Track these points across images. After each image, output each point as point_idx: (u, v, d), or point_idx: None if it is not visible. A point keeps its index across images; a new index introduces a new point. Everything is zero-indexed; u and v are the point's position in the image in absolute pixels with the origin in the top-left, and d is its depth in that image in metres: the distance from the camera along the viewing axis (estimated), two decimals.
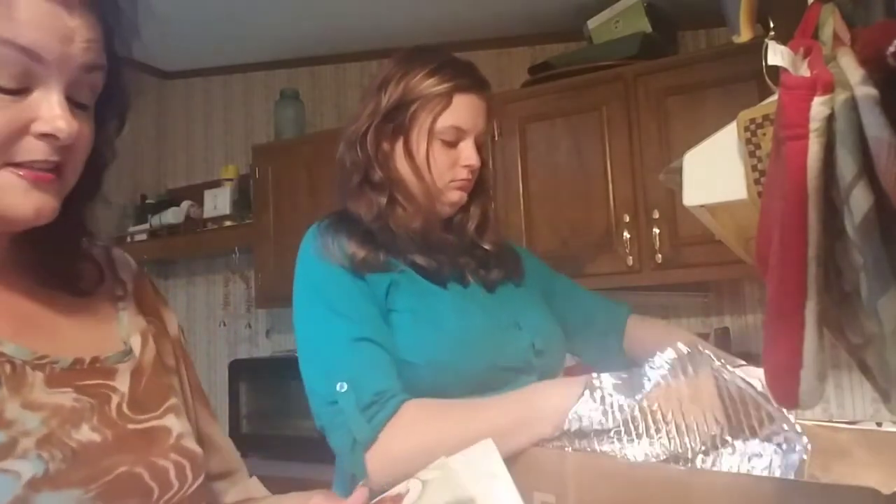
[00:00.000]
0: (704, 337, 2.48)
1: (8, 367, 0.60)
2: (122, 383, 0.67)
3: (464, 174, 1.14)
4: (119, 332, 0.72)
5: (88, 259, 0.74)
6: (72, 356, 0.64)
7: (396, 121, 1.13)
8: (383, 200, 1.13)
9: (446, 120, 1.11)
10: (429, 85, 1.12)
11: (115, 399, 0.65)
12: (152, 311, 0.77)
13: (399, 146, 1.14)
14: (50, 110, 0.60)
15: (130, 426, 0.65)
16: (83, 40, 0.61)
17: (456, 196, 1.16)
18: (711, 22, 2.63)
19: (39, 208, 0.62)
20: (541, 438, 0.86)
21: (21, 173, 0.60)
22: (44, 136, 0.60)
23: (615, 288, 2.48)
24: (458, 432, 0.90)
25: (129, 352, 0.70)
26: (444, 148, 1.13)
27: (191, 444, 0.69)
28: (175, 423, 0.68)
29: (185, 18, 3.00)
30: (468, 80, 1.14)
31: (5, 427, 0.56)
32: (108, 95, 0.68)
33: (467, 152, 1.13)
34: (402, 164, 1.14)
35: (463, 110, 1.12)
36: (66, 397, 0.61)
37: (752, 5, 0.79)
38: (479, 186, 1.20)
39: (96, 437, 0.61)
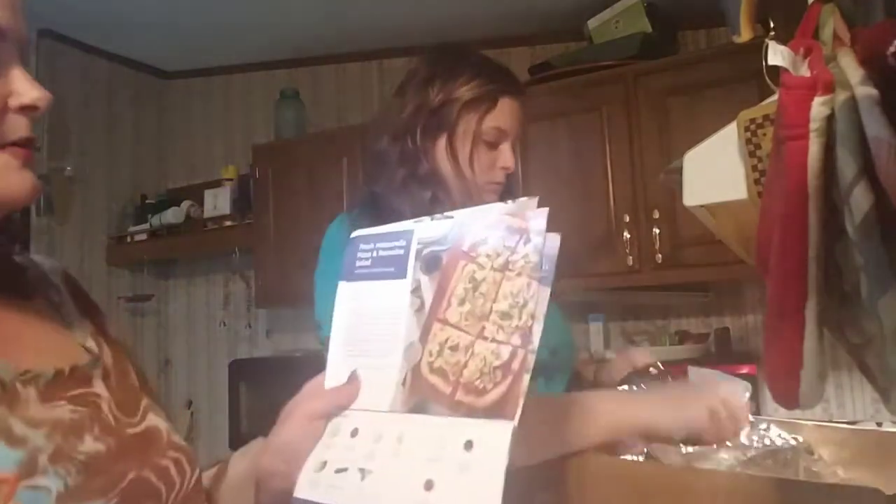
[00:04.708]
0: (704, 337, 2.48)
1: None
2: (101, 389, 0.65)
3: (500, 177, 1.17)
4: (75, 337, 0.69)
5: (17, 267, 0.70)
6: (52, 368, 0.61)
7: (442, 118, 1.14)
8: (427, 195, 1.13)
9: (491, 121, 1.15)
10: (476, 85, 1.14)
11: (104, 406, 0.64)
12: (91, 312, 0.74)
13: (441, 144, 1.15)
14: (22, 83, 0.59)
15: (129, 430, 0.64)
16: (22, 7, 0.61)
17: (489, 199, 1.18)
18: (711, 22, 2.63)
19: (34, 186, 0.61)
20: (588, 444, 0.85)
21: (13, 153, 0.60)
22: (23, 108, 0.59)
23: (615, 288, 2.48)
24: None
25: (99, 357, 0.68)
26: (486, 149, 1.16)
27: (178, 438, 0.68)
28: (160, 421, 0.68)
29: (185, 18, 3.00)
30: (512, 83, 1.19)
31: (20, 444, 0.55)
32: None
33: (506, 154, 1.16)
34: (443, 162, 1.15)
35: (506, 112, 1.16)
36: (62, 410, 0.60)
37: (752, 5, 0.79)
38: (506, 194, 1.22)
39: (101, 447, 0.60)
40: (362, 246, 0.73)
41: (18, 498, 0.52)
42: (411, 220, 0.70)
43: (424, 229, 0.69)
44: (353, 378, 0.69)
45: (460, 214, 0.68)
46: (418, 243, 0.68)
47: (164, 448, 0.65)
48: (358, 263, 0.73)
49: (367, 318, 0.70)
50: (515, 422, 0.57)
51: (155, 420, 0.67)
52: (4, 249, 0.69)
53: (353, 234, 0.75)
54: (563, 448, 0.84)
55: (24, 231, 3.06)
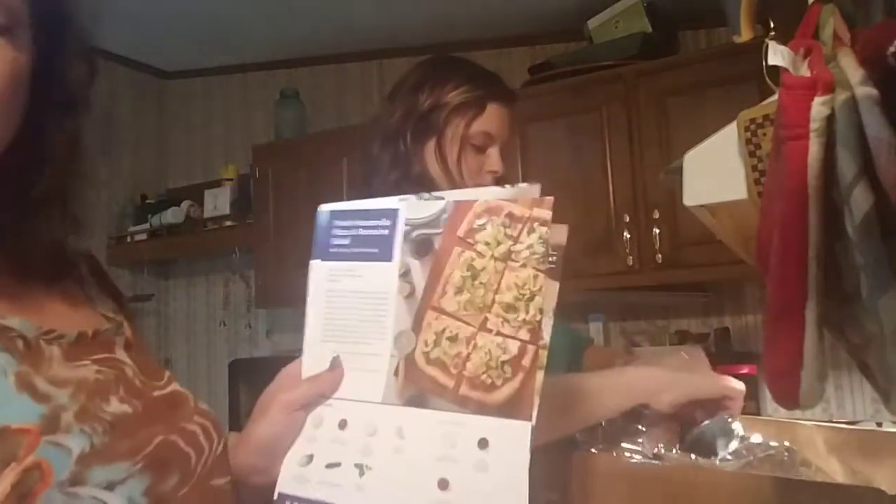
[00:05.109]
0: (704, 337, 2.48)
1: (20, 343, 0.55)
2: (124, 356, 0.63)
3: (487, 180, 1.19)
4: (97, 309, 0.67)
5: (44, 244, 0.67)
6: (75, 329, 0.60)
7: (430, 123, 1.17)
8: None
9: (478, 126, 1.17)
10: (465, 91, 1.17)
11: (128, 370, 0.62)
12: (111, 290, 0.73)
13: (430, 147, 1.17)
14: None
15: (155, 394, 0.62)
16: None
17: None
18: (711, 22, 2.63)
19: None
20: (610, 412, 0.86)
21: None
22: None
23: (615, 288, 2.48)
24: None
25: (121, 325, 0.66)
26: (473, 153, 1.18)
27: (204, 405, 0.66)
28: (184, 389, 0.66)
29: (185, 18, 3.00)
30: (500, 90, 1.21)
31: (43, 401, 0.53)
32: (49, 66, 0.61)
33: (493, 158, 1.19)
34: (432, 166, 1.17)
35: (494, 118, 1.19)
36: (87, 370, 0.58)
37: (752, 5, 0.79)
38: None
39: (128, 409, 0.58)
40: (338, 223, 0.68)
41: (40, 451, 0.50)
42: (395, 198, 0.66)
43: (411, 209, 0.65)
44: (335, 364, 0.66)
45: (451, 195, 0.64)
46: (406, 224, 0.65)
47: (191, 413, 0.63)
48: (333, 241, 0.68)
49: (349, 301, 0.66)
50: (533, 422, 0.55)
51: (179, 387, 0.65)
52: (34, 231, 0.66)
53: (325, 208, 0.70)
54: (574, 427, 0.85)
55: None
